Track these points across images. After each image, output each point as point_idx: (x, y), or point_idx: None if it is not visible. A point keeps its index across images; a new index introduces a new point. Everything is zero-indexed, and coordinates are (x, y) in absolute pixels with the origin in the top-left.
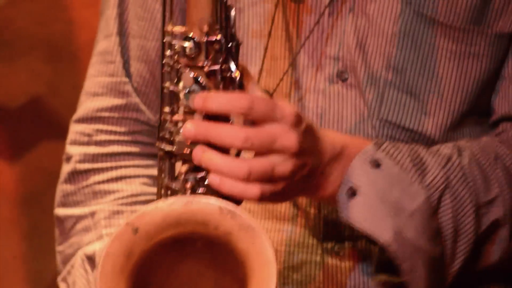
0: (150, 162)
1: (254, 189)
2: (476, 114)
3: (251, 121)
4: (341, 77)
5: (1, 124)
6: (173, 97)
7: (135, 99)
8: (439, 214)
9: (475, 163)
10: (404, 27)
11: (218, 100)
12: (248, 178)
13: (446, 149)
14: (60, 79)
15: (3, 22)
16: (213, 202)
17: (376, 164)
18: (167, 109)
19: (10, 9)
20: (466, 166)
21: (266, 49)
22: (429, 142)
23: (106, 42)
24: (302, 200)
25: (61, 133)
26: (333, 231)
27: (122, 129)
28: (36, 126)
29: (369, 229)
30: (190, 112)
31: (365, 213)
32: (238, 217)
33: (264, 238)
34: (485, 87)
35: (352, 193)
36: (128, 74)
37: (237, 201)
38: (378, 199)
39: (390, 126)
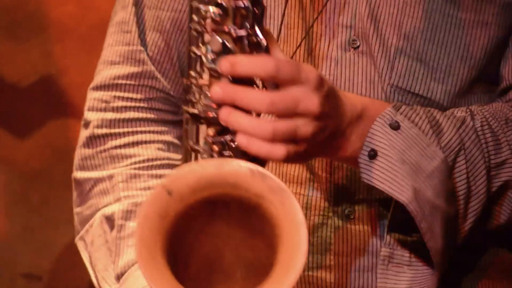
0: (165, 128)
1: (281, 150)
2: (484, 81)
3: (275, 83)
4: (353, 45)
5: (13, 101)
6: (200, 61)
7: (150, 67)
8: (454, 174)
9: (487, 126)
10: (414, 2)
11: (245, 63)
12: (273, 139)
13: (460, 112)
14: (69, 59)
15: (16, 4)
16: (244, 164)
17: (396, 127)
18: (193, 73)
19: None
20: (479, 129)
21: (283, 17)
22: (438, 107)
23: (122, 13)
24: (314, 164)
25: (70, 111)
26: (344, 195)
27: (138, 96)
28: (46, 104)
29: (390, 189)
30: (216, 76)
31: (386, 174)
32: (268, 179)
33: (294, 200)
34: (494, 55)
35: (373, 155)
36: (143, 43)
37: (261, 162)
38: (398, 160)
39: (401, 92)
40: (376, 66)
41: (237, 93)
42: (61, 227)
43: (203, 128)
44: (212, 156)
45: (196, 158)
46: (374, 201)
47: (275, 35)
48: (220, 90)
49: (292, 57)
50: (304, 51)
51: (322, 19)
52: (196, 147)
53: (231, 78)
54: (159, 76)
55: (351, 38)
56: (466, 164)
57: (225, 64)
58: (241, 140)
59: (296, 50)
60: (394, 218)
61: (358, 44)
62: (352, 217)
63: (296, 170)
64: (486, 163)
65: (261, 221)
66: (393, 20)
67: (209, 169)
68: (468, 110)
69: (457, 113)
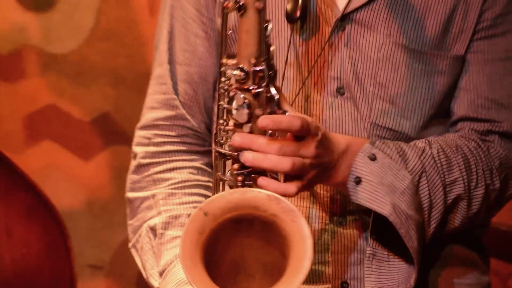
0: (194, 157)
1: (292, 189)
2: (440, 116)
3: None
4: (339, 92)
5: (79, 132)
6: (226, 112)
7: (182, 111)
8: (419, 191)
9: (442, 152)
10: (386, 53)
11: (277, 121)
12: (285, 164)
13: (420, 143)
14: (122, 100)
15: (80, 58)
16: (263, 191)
17: (373, 158)
18: (221, 121)
19: (85, 48)
20: (435, 155)
21: (284, 72)
22: (406, 138)
23: (159, 69)
24: (316, 185)
25: (122, 139)
26: (338, 208)
27: (173, 133)
28: (104, 135)
29: (374, 206)
30: (238, 125)
31: (370, 195)
32: (282, 202)
33: (302, 219)
34: (446, 96)
35: (359, 181)
36: (176, 92)
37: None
38: (378, 183)
39: (378, 128)
40: (358, 109)
41: (252, 141)
42: (116, 229)
43: (228, 163)
44: (236, 185)
45: (223, 186)
46: (360, 212)
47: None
48: (240, 139)
49: (292, 104)
50: (302, 98)
51: (315, 72)
52: (224, 178)
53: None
54: (188, 117)
55: (338, 87)
56: (427, 183)
57: (263, 120)
58: (262, 182)
59: (295, 98)
60: (375, 225)
61: (344, 91)
62: (344, 224)
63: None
64: (442, 181)
65: (276, 234)
66: (370, 73)
67: (235, 195)
68: (426, 141)
69: (418, 144)
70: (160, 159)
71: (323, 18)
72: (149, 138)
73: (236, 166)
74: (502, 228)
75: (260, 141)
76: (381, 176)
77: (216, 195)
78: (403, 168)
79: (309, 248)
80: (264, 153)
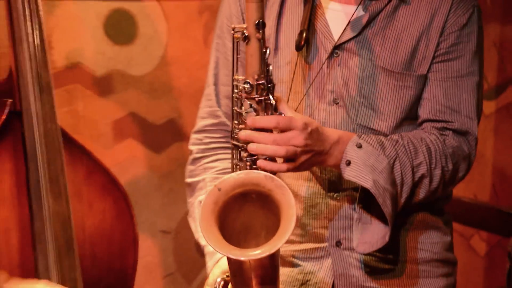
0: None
1: (283, 167)
2: (409, 119)
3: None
4: (334, 101)
5: (152, 133)
6: (238, 115)
7: (223, 119)
8: (393, 171)
9: (410, 143)
10: (368, 73)
11: (260, 121)
12: (279, 151)
13: (395, 136)
14: (184, 109)
15: (153, 78)
16: (261, 172)
17: (360, 146)
18: (235, 122)
19: (157, 71)
20: (406, 145)
21: (291, 86)
22: (383, 135)
23: (207, 89)
24: (315, 168)
25: (184, 138)
26: (331, 185)
27: (217, 135)
28: (171, 134)
29: (359, 181)
30: (247, 125)
31: (356, 173)
32: (275, 180)
33: (289, 192)
34: (413, 104)
35: (348, 163)
36: (219, 105)
37: (272, 173)
38: (362, 165)
39: (362, 128)
40: (348, 114)
41: (253, 136)
42: (180, 203)
43: (243, 152)
44: (246, 168)
45: (238, 169)
46: (349, 189)
47: (286, 97)
48: (244, 134)
49: (296, 109)
50: (306, 105)
51: (316, 87)
52: (238, 163)
53: (253, 128)
54: (228, 123)
55: (334, 98)
56: (400, 165)
57: (249, 120)
58: (260, 164)
59: (298, 105)
60: (361, 197)
61: (338, 101)
62: (337, 198)
63: (305, 172)
64: (410, 164)
65: (271, 204)
66: (357, 87)
67: (241, 175)
68: (399, 134)
69: (393, 136)
70: (208, 153)
71: (322, 47)
72: (200, 140)
73: (245, 154)
74: (465, 200)
75: (259, 135)
76: (365, 159)
77: (227, 176)
78: (382, 154)
79: (293, 213)
80: (264, 144)
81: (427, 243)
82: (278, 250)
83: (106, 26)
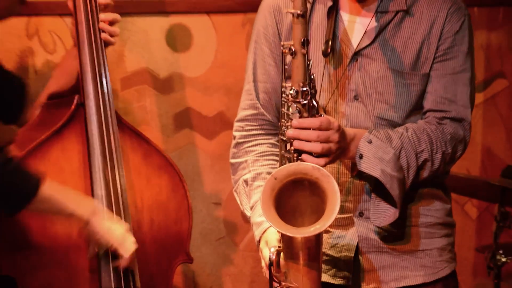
0: (269, 137)
1: (323, 160)
2: (416, 109)
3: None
4: (355, 98)
5: (205, 123)
6: (286, 115)
7: (261, 110)
8: (400, 159)
9: (414, 133)
10: (382, 74)
11: (306, 122)
12: (319, 153)
13: (400, 129)
14: (231, 104)
15: (206, 79)
16: (309, 164)
17: (370, 141)
18: (283, 121)
19: (209, 73)
20: (410, 136)
21: (321, 86)
22: (395, 125)
23: (248, 85)
24: (338, 163)
25: (231, 127)
26: (355, 168)
27: (256, 123)
28: (221, 124)
29: (369, 171)
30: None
31: (367, 164)
32: (321, 170)
33: (333, 180)
34: (420, 97)
35: (361, 156)
36: (258, 99)
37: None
38: (372, 157)
39: (379, 119)
40: (367, 108)
41: (299, 134)
42: (228, 180)
43: (288, 145)
44: (293, 159)
45: (286, 161)
46: (364, 176)
47: (317, 96)
48: (292, 132)
49: (325, 107)
50: (332, 102)
51: (340, 87)
52: (286, 155)
53: (300, 127)
54: (265, 113)
55: (355, 95)
56: (405, 153)
57: (297, 122)
58: (304, 157)
59: (328, 102)
60: (376, 180)
61: (358, 98)
62: (359, 178)
63: (331, 168)
64: (414, 151)
65: (318, 190)
66: (373, 86)
67: (293, 166)
68: (405, 127)
69: (399, 129)
70: (249, 139)
71: (344, 53)
72: (242, 127)
73: (290, 147)
74: (460, 174)
75: (305, 133)
76: (374, 152)
77: (281, 167)
78: (389, 146)
79: (338, 198)
80: (309, 140)
81: (431, 210)
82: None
83: (167, 37)
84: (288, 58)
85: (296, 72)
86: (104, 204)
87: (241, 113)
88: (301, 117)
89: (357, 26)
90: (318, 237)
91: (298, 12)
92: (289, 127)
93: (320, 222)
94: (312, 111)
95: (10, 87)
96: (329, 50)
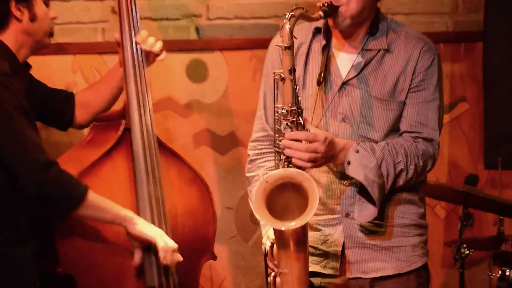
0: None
1: (309, 165)
2: (393, 131)
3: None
4: (343, 120)
5: (219, 140)
6: (278, 131)
7: (270, 132)
8: (381, 168)
9: (393, 147)
10: (365, 100)
11: (295, 135)
12: (307, 161)
13: (383, 143)
14: (241, 125)
15: (220, 104)
16: (295, 170)
17: (357, 151)
18: (276, 135)
19: (222, 99)
20: (390, 149)
21: (313, 109)
22: (375, 142)
23: (258, 112)
24: (331, 164)
25: (242, 144)
26: (342, 175)
27: (266, 143)
28: (233, 142)
29: (355, 176)
30: (283, 137)
31: (353, 170)
32: (304, 175)
33: (314, 183)
34: (396, 120)
35: (349, 163)
36: (267, 122)
37: (302, 169)
38: (358, 164)
39: (362, 137)
40: (352, 128)
41: (290, 144)
42: (238, 188)
43: (281, 155)
44: (284, 166)
45: (279, 167)
46: (350, 183)
47: (310, 118)
48: (285, 143)
49: (317, 126)
50: (324, 123)
51: (330, 110)
52: (278, 163)
53: (290, 139)
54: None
55: (343, 118)
56: (385, 163)
57: (287, 134)
58: (294, 162)
59: (318, 123)
60: (360, 185)
61: (345, 119)
62: (346, 184)
63: (325, 167)
64: (393, 162)
65: (302, 190)
66: (358, 110)
67: (281, 171)
68: (386, 142)
69: (381, 143)
70: (260, 156)
71: (334, 82)
72: (255, 146)
73: (283, 157)
74: (431, 181)
75: (295, 144)
76: (359, 160)
77: (271, 172)
78: (372, 156)
79: (317, 198)
80: (297, 150)
81: (407, 213)
82: (307, 223)
83: (187, 70)
84: (278, 83)
85: (285, 95)
86: (147, 214)
87: (254, 135)
88: (290, 131)
89: (345, 61)
90: (303, 230)
91: (285, 45)
92: (281, 140)
93: (301, 217)
94: (299, 127)
95: (58, 99)
96: (321, 80)
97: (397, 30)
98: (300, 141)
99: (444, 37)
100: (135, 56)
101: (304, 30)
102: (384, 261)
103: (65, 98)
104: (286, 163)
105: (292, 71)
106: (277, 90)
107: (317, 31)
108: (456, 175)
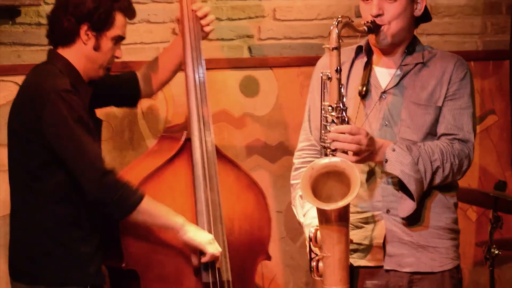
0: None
1: (354, 158)
2: (431, 134)
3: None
4: (385, 124)
5: (269, 150)
6: (325, 127)
7: (314, 142)
8: (418, 164)
9: (429, 147)
10: (405, 105)
11: (341, 128)
12: (353, 152)
13: (419, 143)
14: (289, 136)
15: (270, 117)
16: (339, 159)
17: (393, 149)
18: (323, 131)
19: (272, 113)
20: (426, 148)
21: (356, 117)
22: (414, 143)
23: (304, 124)
24: (373, 164)
25: (289, 153)
26: (378, 175)
27: (310, 152)
28: (282, 151)
29: (392, 171)
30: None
31: (391, 167)
32: (347, 163)
33: (356, 169)
34: (432, 124)
35: (386, 160)
36: (311, 133)
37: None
38: (394, 161)
39: (402, 139)
40: (393, 131)
41: (338, 136)
42: (287, 194)
43: (328, 150)
44: (330, 155)
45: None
46: (394, 176)
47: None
48: (332, 135)
49: (361, 127)
50: (366, 127)
51: (372, 115)
52: (324, 157)
53: (337, 132)
54: (317, 144)
55: (384, 122)
56: (422, 160)
57: (334, 128)
58: (338, 154)
59: (362, 125)
60: (401, 183)
61: (387, 124)
62: (387, 182)
63: (367, 167)
64: (429, 159)
65: (345, 177)
66: (398, 115)
67: (326, 160)
68: (422, 143)
69: (418, 143)
70: (305, 165)
71: (375, 93)
72: (300, 155)
73: (329, 151)
74: (464, 188)
75: (341, 136)
76: (396, 157)
77: (316, 160)
78: (408, 154)
79: (358, 183)
80: (343, 142)
81: (442, 216)
82: (348, 206)
83: (241, 86)
84: (326, 82)
85: (332, 93)
86: (204, 216)
87: (299, 145)
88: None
89: (384, 75)
90: (345, 213)
91: (333, 46)
92: (327, 135)
93: (344, 199)
94: (343, 123)
95: (123, 82)
96: (363, 92)
97: (432, 51)
98: (344, 134)
99: (474, 56)
100: (196, 74)
101: (347, 51)
102: (419, 259)
103: (128, 79)
104: (331, 155)
105: (339, 70)
106: (324, 89)
107: (359, 50)
108: (486, 181)
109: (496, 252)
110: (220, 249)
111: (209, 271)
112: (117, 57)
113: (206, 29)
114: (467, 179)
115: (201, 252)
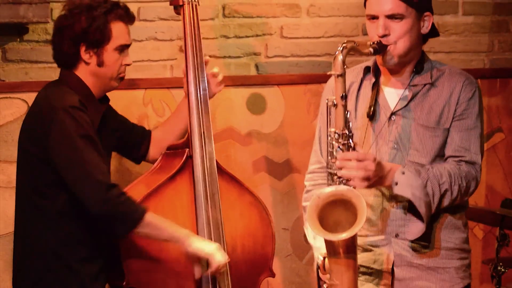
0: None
1: (363, 184)
2: (439, 156)
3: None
4: (393, 147)
5: (275, 167)
6: (331, 153)
7: (324, 164)
8: (426, 187)
9: (437, 170)
10: (413, 128)
11: (348, 155)
12: (358, 174)
13: (428, 166)
14: (296, 154)
15: (277, 135)
16: (346, 187)
17: (403, 173)
18: (329, 157)
19: (278, 130)
20: (435, 171)
21: (364, 139)
22: (422, 166)
23: (315, 146)
24: (381, 188)
25: (297, 171)
26: (392, 198)
27: (321, 174)
28: (288, 168)
29: (403, 194)
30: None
31: (401, 190)
32: (354, 192)
33: (363, 199)
34: (441, 146)
35: (396, 183)
36: (322, 155)
37: (353, 187)
38: (404, 184)
39: (410, 162)
40: (402, 154)
41: (345, 164)
42: (294, 210)
43: (334, 177)
44: (337, 184)
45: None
46: (403, 200)
47: (361, 145)
48: (339, 163)
49: (368, 151)
50: (375, 150)
51: (380, 138)
52: (331, 183)
53: (343, 159)
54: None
55: (392, 145)
56: (431, 183)
57: (341, 154)
58: (348, 182)
59: (369, 150)
60: (410, 206)
61: (395, 146)
62: (395, 206)
63: (375, 190)
64: (438, 182)
65: (351, 206)
66: (407, 137)
67: (332, 188)
68: (430, 165)
69: (427, 166)
70: (316, 187)
71: (384, 114)
72: (311, 177)
73: (336, 177)
74: (470, 206)
75: (348, 163)
76: (406, 181)
77: (323, 189)
78: (417, 177)
79: (365, 212)
80: (350, 169)
81: (452, 237)
82: (355, 235)
83: (248, 103)
84: (331, 109)
85: (337, 119)
86: (205, 234)
87: (310, 167)
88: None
89: (393, 95)
90: (352, 242)
91: (338, 73)
92: (334, 162)
93: (350, 229)
94: (349, 149)
95: (136, 134)
96: (371, 112)
97: (441, 68)
98: (351, 161)
99: (481, 73)
100: (198, 90)
101: (355, 70)
102: (429, 280)
103: (143, 135)
104: (338, 183)
105: (344, 97)
106: (330, 115)
107: (367, 70)
108: (493, 199)
109: (503, 270)
110: (227, 257)
111: (210, 285)
112: (127, 65)
113: (217, 89)
114: (473, 197)
115: (203, 266)
